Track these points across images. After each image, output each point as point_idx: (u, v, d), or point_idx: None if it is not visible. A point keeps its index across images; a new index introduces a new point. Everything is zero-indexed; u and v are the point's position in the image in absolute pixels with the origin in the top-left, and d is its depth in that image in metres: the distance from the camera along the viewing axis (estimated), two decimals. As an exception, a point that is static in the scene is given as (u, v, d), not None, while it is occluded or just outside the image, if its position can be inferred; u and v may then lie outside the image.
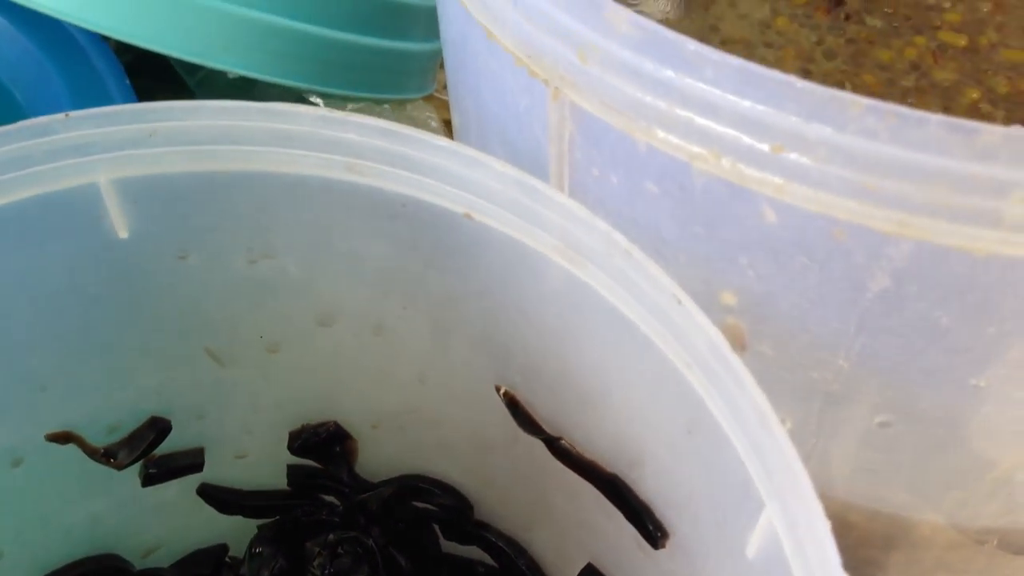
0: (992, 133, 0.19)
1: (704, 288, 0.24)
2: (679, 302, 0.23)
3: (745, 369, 0.22)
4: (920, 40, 0.42)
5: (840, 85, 0.40)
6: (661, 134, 0.21)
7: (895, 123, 0.19)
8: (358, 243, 0.30)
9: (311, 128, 0.27)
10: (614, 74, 0.21)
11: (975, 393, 0.23)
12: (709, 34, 0.42)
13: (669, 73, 0.21)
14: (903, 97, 0.40)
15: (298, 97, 0.53)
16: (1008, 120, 0.40)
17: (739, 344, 0.25)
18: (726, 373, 0.22)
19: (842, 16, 0.43)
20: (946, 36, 0.42)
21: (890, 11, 0.43)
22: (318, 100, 0.52)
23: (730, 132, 0.20)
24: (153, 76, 0.56)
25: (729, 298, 0.24)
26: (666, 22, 0.41)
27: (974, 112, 0.40)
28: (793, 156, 0.20)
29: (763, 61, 0.41)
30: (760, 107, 0.20)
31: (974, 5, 0.44)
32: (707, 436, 0.24)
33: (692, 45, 0.20)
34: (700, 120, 0.21)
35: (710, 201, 0.22)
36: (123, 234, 0.29)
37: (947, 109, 0.40)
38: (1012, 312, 0.21)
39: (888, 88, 0.40)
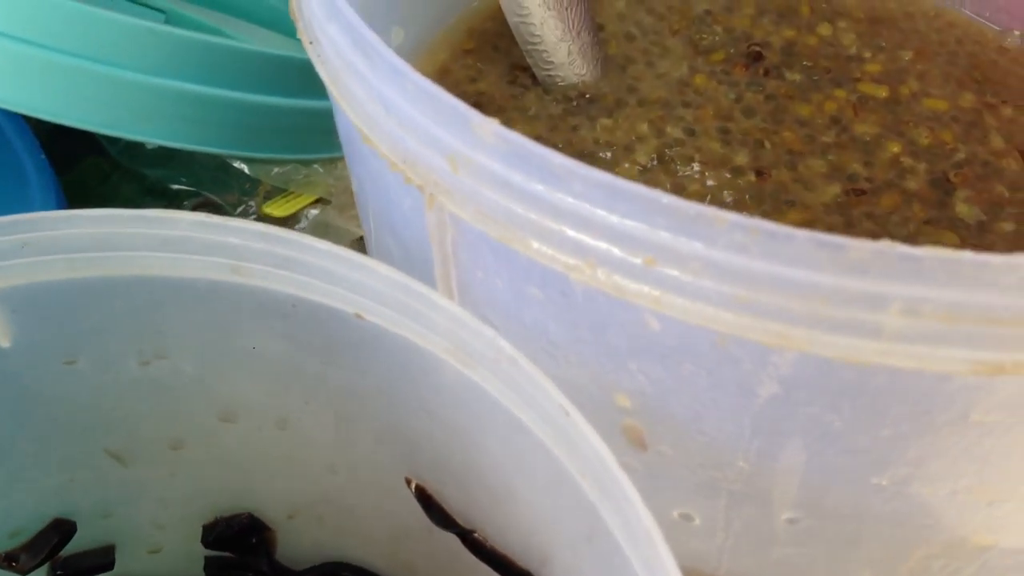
0: (860, 249, 0.18)
1: (598, 390, 0.23)
2: (567, 414, 0.23)
3: (631, 486, 0.21)
4: (840, 93, 0.42)
5: (760, 143, 0.40)
6: (536, 244, 0.20)
7: (761, 238, 0.19)
8: (252, 341, 0.29)
9: (189, 233, 0.26)
10: (485, 184, 0.21)
11: (879, 491, 0.23)
12: (627, 95, 0.41)
13: (538, 186, 0.20)
14: (823, 153, 0.40)
15: (222, 162, 0.52)
16: (930, 173, 0.39)
17: (639, 444, 0.24)
18: (615, 487, 0.21)
19: (761, 71, 0.42)
20: (867, 88, 0.42)
21: (809, 64, 0.43)
22: (243, 165, 0.51)
23: (602, 245, 0.20)
24: (79, 143, 0.55)
25: (624, 400, 0.23)
26: (583, 84, 0.41)
27: (895, 165, 0.39)
28: (666, 270, 0.19)
29: (681, 121, 0.40)
30: (629, 222, 0.19)
31: (895, 54, 0.44)
32: (605, 545, 0.23)
33: (559, 159, 0.20)
34: (572, 233, 0.20)
35: (593, 308, 0.21)
36: (5, 343, 0.28)
37: (868, 164, 0.39)
38: (904, 416, 0.21)
39: (808, 144, 0.40)
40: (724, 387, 0.21)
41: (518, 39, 0.39)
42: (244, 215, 0.53)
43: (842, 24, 0.44)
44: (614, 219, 0.19)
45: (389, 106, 0.22)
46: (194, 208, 0.51)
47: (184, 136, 0.48)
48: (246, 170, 0.52)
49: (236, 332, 0.29)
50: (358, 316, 0.27)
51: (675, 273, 0.19)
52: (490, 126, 0.20)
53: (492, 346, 0.24)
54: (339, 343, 0.28)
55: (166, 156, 0.52)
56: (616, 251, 0.20)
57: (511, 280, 0.23)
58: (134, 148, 0.53)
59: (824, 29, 0.44)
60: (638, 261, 0.20)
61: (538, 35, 0.39)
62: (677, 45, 0.43)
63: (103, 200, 0.60)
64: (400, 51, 0.39)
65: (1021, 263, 0.17)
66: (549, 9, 0.39)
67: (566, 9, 0.39)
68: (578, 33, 0.40)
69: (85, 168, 0.61)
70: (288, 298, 0.28)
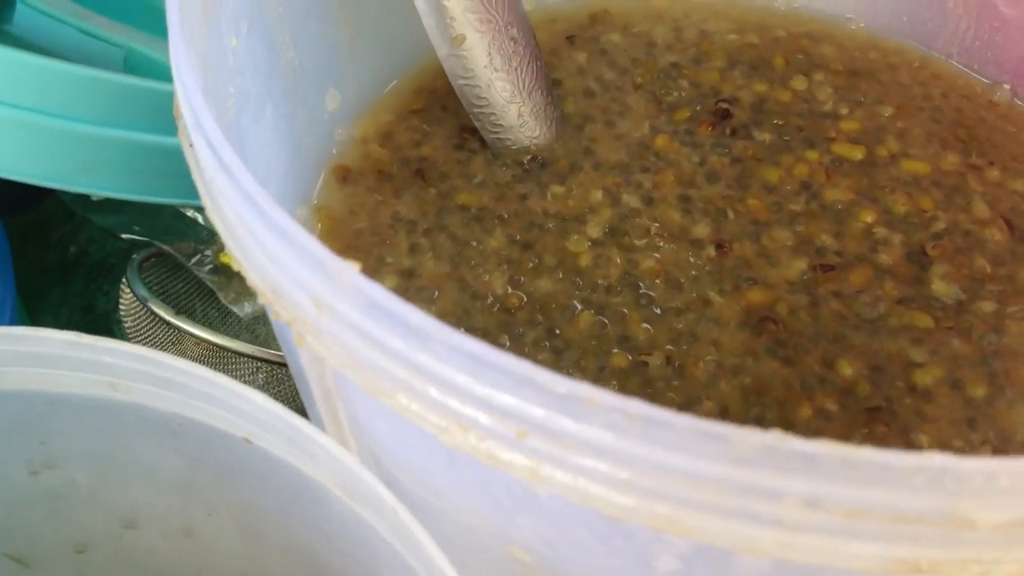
0: (746, 443, 0.16)
1: (493, 542, 0.21)
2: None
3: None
4: (812, 155, 0.39)
5: (723, 213, 0.37)
6: (404, 400, 0.18)
7: (639, 424, 0.16)
8: (145, 454, 0.27)
9: (62, 352, 0.24)
10: (349, 332, 0.18)
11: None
12: (582, 158, 0.38)
13: (398, 343, 0.18)
14: (791, 223, 0.37)
15: (176, 211, 0.50)
16: (906, 245, 0.36)
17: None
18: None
19: (728, 131, 0.40)
20: (841, 149, 0.39)
21: (781, 122, 0.40)
22: (197, 215, 0.49)
23: (470, 411, 0.17)
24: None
25: (521, 554, 0.21)
26: (535, 147, 0.38)
27: (868, 237, 0.37)
28: (541, 444, 0.17)
29: (639, 188, 0.38)
30: (497, 392, 0.17)
31: (874, 110, 0.41)
32: None
33: (417, 318, 0.17)
34: (438, 395, 0.18)
35: (474, 465, 0.19)
36: None
37: (839, 235, 0.37)
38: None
39: (775, 213, 0.37)
40: (621, 555, 0.19)
41: (463, 102, 0.37)
42: (200, 264, 0.50)
43: (818, 77, 0.42)
44: (480, 387, 0.17)
45: (255, 234, 0.20)
46: (147, 259, 0.49)
47: (133, 187, 0.46)
48: (200, 220, 0.50)
49: (125, 445, 0.27)
50: (246, 440, 0.25)
51: (551, 448, 0.17)
52: (349, 275, 0.18)
53: (373, 492, 0.22)
54: (231, 463, 0.26)
55: (118, 204, 0.50)
56: (485, 419, 0.17)
57: (392, 425, 0.21)
58: (86, 196, 0.51)
59: (799, 83, 0.41)
60: (510, 432, 0.17)
61: (485, 97, 0.37)
62: (639, 102, 0.40)
63: (63, 241, 0.58)
64: (338, 114, 0.37)
65: (928, 464, 0.15)
66: (496, 71, 0.36)
67: (515, 69, 0.37)
68: (529, 94, 0.38)
69: (49, 207, 0.59)
70: (174, 416, 0.26)
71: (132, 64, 0.54)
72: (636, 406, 0.16)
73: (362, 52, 0.37)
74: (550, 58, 0.42)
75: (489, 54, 0.36)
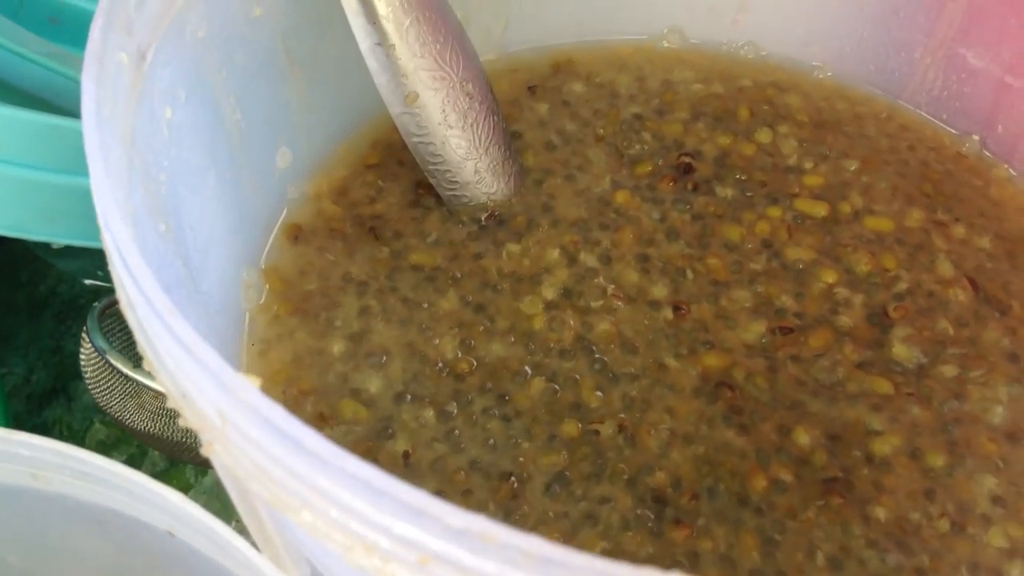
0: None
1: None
2: None
3: None
4: (775, 212, 0.38)
5: (682, 272, 0.36)
6: (307, 516, 0.18)
7: (538, 562, 0.15)
8: (74, 540, 0.27)
9: (-22, 441, 0.24)
10: (252, 447, 0.18)
11: None
12: (540, 214, 0.38)
13: (298, 464, 0.17)
14: (751, 283, 0.36)
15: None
16: (868, 306, 0.36)
17: None
18: None
19: (690, 186, 0.39)
20: (804, 205, 0.39)
21: (744, 177, 0.39)
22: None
23: (371, 534, 0.17)
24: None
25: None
26: (492, 203, 0.38)
27: (829, 298, 0.36)
28: (443, 572, 0.16)
29: (597, 247, 0.37)
30: (395, 520, 0.16)
31: (839, 164, 0.40)
32: None
33: (314, 442, 0.17)
34: (338, 515, 0.17)
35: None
36: None
37: (799, 296, 0.36)
38: None
39: (735, 273, 0.36)
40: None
41: (418, 159, 0.36)
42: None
43: (783, 129, 0.41)
44: (378, 513, 0.16)
45: (161, 342, 0.19)
46: (110, 305, 0.49)
47: (94, 235, 0.45)
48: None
49: (53, 531, 0.27)
50: (170, 534, 0.24)
51: None
52: (246, 392, 0.17)
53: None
54: (159, 554, 0.26)
55: (80, 249, 0.50)
56: (387, 543, 0.17)
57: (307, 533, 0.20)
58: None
59: (763, 135, 0.41)
60: (412, 558, 0.17)
61: (440, 155, 0.36)
62: (600, 155, 0.40)
63: (33, 280, 0.58)
64: (290, 172, 0.36)
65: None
66: (451, 127, 0.36)
67: (471, 125, 0.36)
68: (486, 149, 0.37)
69: (16, 247, 0.58)
70: (98, 507, 0.25)
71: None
72: (534, 544, 0.16)
73: (315, 108, 0.37)
74: (510, 109, 0.41)
75: (443, 111, 0.35)
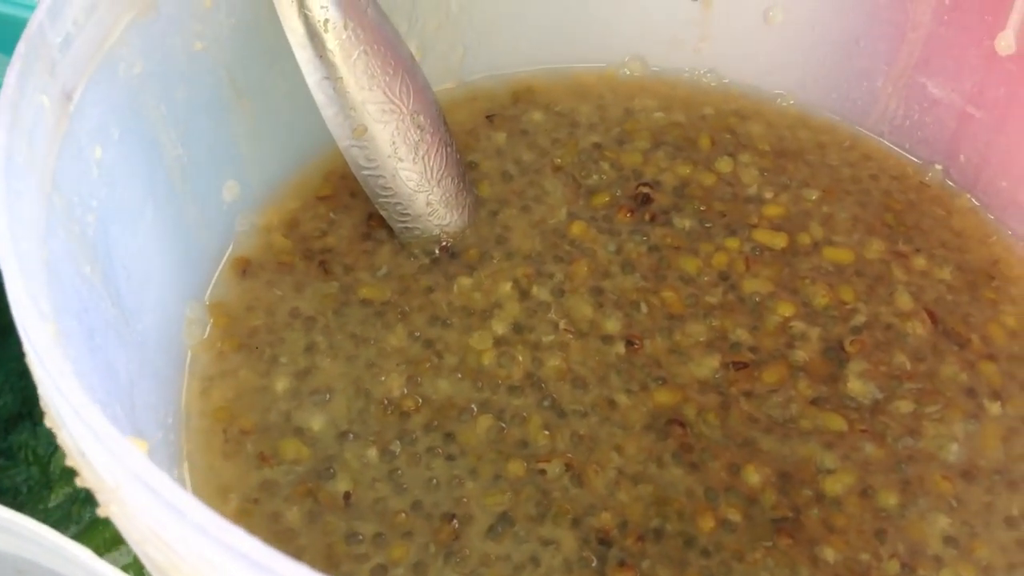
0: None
1: None
2: None
3: None
4: (733, 243, 0.38)
5: (636, 306, 0.36)
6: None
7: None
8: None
9: None
10: (144, 514, 0.17)
11: None
12: (494, 246, 0.37)
13: (183, 531, 0.17)
14: (706, 316, 0.36)
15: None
16: (824, 340, 0.35)
17: None
18: None
19: (647, 217, 0.38)
20: (763, 236, 0.38)
21: (703, 208, 0.39)
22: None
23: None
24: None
25: None
26: (445, 235, 0.37)
27: (784, 332, 0.36)
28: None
29: (550, 280, 0.36)
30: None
31: (799, 194, 0.40)
32: None
33: (197, 511, 0.16)
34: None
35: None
36: None
37: (755, 329, 0.35)
38: None
39: (690, 306, 0.36)
40: None
41: (368, 192, 0.36)
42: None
43: (744, 158, 0.41)
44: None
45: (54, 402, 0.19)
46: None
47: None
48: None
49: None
50: (84, 585, 0.24)
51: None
52: (133, 460, 0.17)
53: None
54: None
55: None
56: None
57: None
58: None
59: (724, 165, 0.40)
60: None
61: (390, 188, 0.36)
62: (557, 186, 0.39)
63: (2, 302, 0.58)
64: (238, 204, 0.36)
65: None
66: (401, 160, 0.35)
67: (423, 158, 0.36)
68: (438, 182, 0.37)
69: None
70: (13, 557, 0.24)
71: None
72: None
73: (264, 139, 0.36)
74: (467, 139, 0.41)
75: (393, 143, 0.35)
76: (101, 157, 0.28)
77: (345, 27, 0.33)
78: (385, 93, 0.34)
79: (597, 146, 0.41)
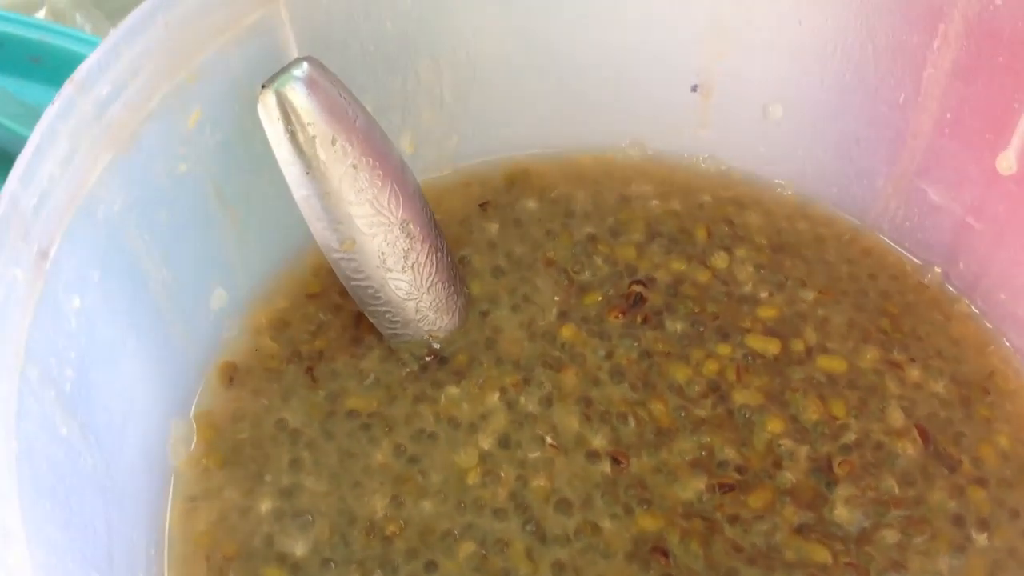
0: None
1: None
2: None
3: None
4: (724, 349, 0.37)
5: (624, 419, 0.36)
6: None
7: None
8: None
9: None
10: None
11: None
12: (483, 351, 0.37)
13: None
14: (694, 431, 0.35)
15: None
16: (812, 460, 0.35)
17: None
18: None
19: (639, 319, 0.38)
20: (755, 342, 0.38)
21: (696, 309, 0.38)
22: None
23: None
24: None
25: None
26: (434, 338, 0.37)
27: (772, 451, 0.35)
28: None
29: (539, 388, 0.36)
30: None
31: (795, 295, 0.39)
32: None
33: None
34: None
35: None
36: None
37: (743, 446, 0.35)
38: None
39: (678, 419, 0.36)
40: None
41: (357, 301, 0.36)
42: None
43: (740, 253, 0.40)
44: None
45: None
46: None
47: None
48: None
49: None
50: None
51: None
52: None
53: None
54: None
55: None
56: None
57: None
58: None
59: (719, 260, 0.40)
60: None
61: (380, 296, 0.35)
62: (548, 283, 0.39)
63: None
64: (226, 311, 0.36)
65: None
66: (390, 270, 0.35)
67: (412, 266, 0.35)
68: (428, 288, 0.36)
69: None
70: None
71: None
72: None
73: (252, 242, 0.36)
74: (460, 230, 0.40)
75: (381, 254, 0.34)
76: (80, 306, 0.28)
77: (333, 142, 0.32)
78: (373, 205, 0.34)
79: (591, 238, 0.40)
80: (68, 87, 0.26)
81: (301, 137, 0.32)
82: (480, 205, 0.41)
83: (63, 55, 0.58)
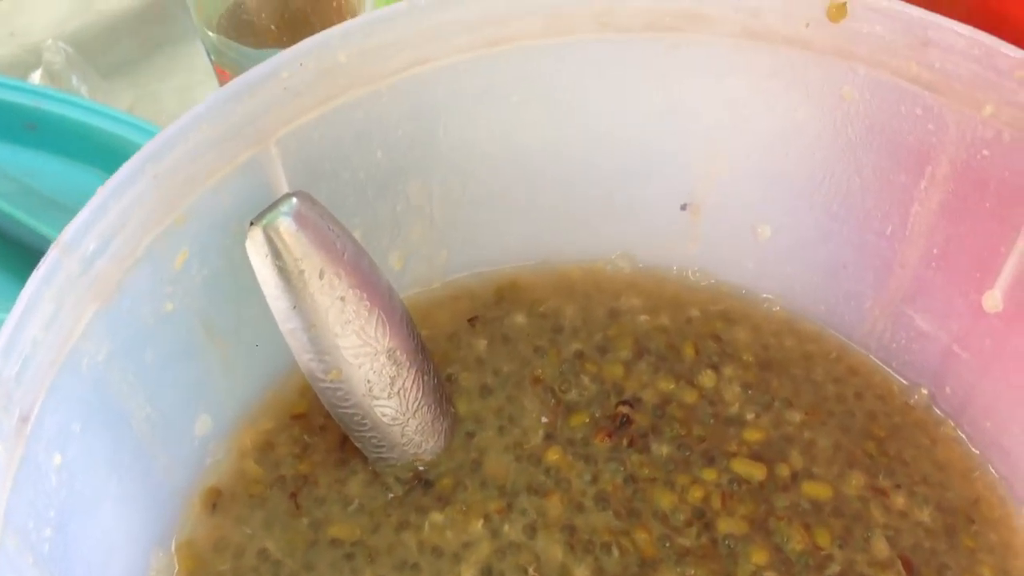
0: None
1: None
2: None
3: None
4: (710, 475, 0.37)
5: (607, 548, 0.35)
6: None
7: None
8: None
9: None
10: None
11: None
12: (468, 475, 0.37)
13: None
14: (678, 561, 0.35)
15: None
16: (796, 592, 0.35)
17: None
18: None
19: (625, 442, 0.38)
20: (741, 467, 0.38)
21: (683, 432, 0.38)
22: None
23: None
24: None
25: None
26: (419, 462, 0.37)
27: (756, 586, 0.35)
28: None
29: (523, 515, 0.36)
30: None
31: (782, 416, 0.39)
32: None
33: None
34: None
35: None
36: None
37: (729, 575, 0.35)
38: None
39: (662, 549, 0.36)
40: None
41: (342, 427, 0.36)
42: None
43: (728, 371, 0.40)
44: None
45: None
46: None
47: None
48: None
49: None
50: None
51: None
52: None
53: None
54: None
55: None
56: None
57: None
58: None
59: (707, 379, 0.40)
60: None
61: (365, 422, 0.35)
62: (535, 403, 0.39)
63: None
64: (210, 436, 0.36)
65: None
66: (376, 398, 0.35)
67: (398, 392, 0.35)
68: (415, 412, 0.36)
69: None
70: None
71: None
72: None
73: (239, 367, 0.36)
74: (448, 346, 0.40)
75: (368, 382, 0.34)
76: (61, 462, 0.28)
77: (321, 276, 0.32)
78: (360, 336, 0.34)
79: (579, 355, 0.40)
80: (54, 251, 0.26)
81: (289, 273, 0.32)
82: (469, 320, 0.41)
83: (58, 121, 0.59)
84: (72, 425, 0.28)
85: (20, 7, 0.71)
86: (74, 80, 0.67)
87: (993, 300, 0.35)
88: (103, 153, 0.57)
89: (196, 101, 0.67)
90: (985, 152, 0.32)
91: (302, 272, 0.32)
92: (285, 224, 0.31)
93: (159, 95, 0.68)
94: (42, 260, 0.26)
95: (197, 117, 0.30)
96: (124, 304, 0.30)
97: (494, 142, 0.38)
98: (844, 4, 0.31)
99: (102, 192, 0.28)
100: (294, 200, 0.32)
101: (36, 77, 0.66)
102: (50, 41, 0.65)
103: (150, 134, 0.56)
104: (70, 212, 0.53)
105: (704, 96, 0.36)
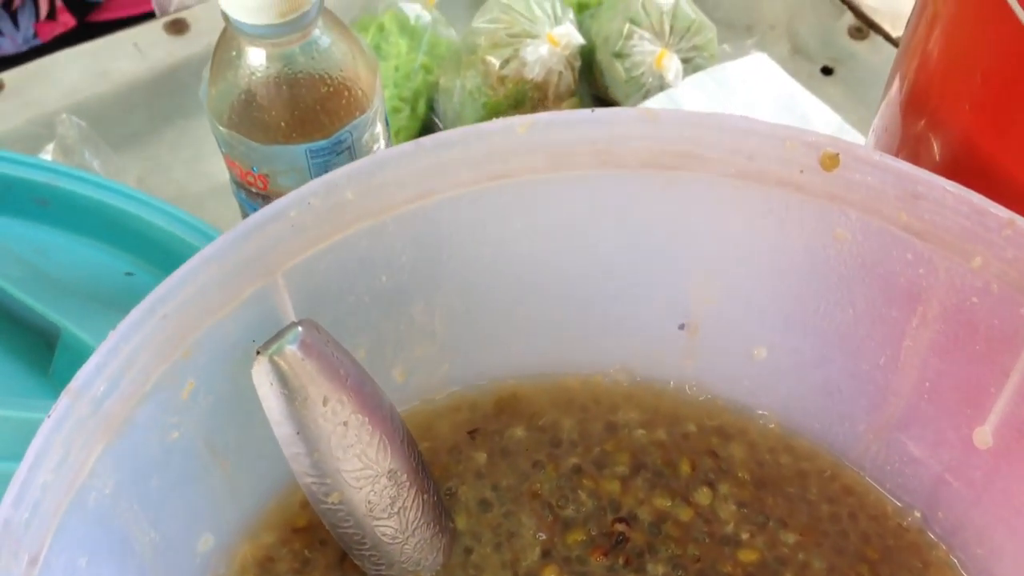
0: None
1: None
2: None
3: None
4: (704, 597, 0.38)
5: (601, 672, 0.36)
6: None
7: None
8: None
9: None
10: None
11: None
12: (466, 593, 0.38)
13: None
14: None
15: None
16: None
17: None
18: None
19: (621, 560, 0.39)
20: (734, 588, 0.38)
21: (678, 552, 0.39)
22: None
23: None
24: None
25: None
26: (419, 574, 0.37)
27: None
28: None
29: (519, 638, 0.37)
30: None
31: (776, 537, 0.40)
32: None
33: None
34: None
35: None
36: None
37: None
38: None
39: None
40: None
41: (342, 545, 0.36)
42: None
43: (724, 489, 0.41)
44: None
45: None
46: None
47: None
48: None
49: None
50: None
51: None
52: None
53: None
54: None
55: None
56: None
57: None
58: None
59: (702, 497, 0.40)
60: None
61: (366, 542, 0.36)
62: (532, 519, 0.39)
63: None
64: (212, 552, 0.36)
65: None
66: (376, 518, 0.36)
67: (399, 512, 0.36)
68: (414, 531, 0.37)
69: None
70: None
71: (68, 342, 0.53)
72: None
73: (242, 484, 0.37)
74: (448, 459, 0.41)
75: (368, 503, 0.35)
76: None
77: (325, 403, 0.33)
78: (362, 459, 0.34)
79: (577, 469, 0.41)
80: (65, 398, 0.27)
81: (294, 400, 0.32)
82: (469, 432, 0.42)
83: (70, 198, 0.59)
84: (79, 560, 0.29)
85: (34, 78, 0.72)
86: (86, 155, 0.68)
87: (983, 437, 0.35)
88: (113, 229, 0.58)
89: (205, 173, 0.68)
90: (975, 299, 0.33)
91: (306, 399, 0.33)
92: (291, 353, 0.32)
93: (170, 166, 0.69)
94: (53, 407, 0.27)
95: (206, 259, 0.30)
96: (131, 438, 0.30)
97: (496, 264, 0.39)
98: (837, 155, 0.32)
99: (113, 337, 0.28)
100: (300, 329, 0.32)
101: (49, 150, 0.68)
102: (64, 116, 0.66)
103: (159, 210, 0.57)
104: (77, 295, 0.54)
105: (701, 229, 0.37)
